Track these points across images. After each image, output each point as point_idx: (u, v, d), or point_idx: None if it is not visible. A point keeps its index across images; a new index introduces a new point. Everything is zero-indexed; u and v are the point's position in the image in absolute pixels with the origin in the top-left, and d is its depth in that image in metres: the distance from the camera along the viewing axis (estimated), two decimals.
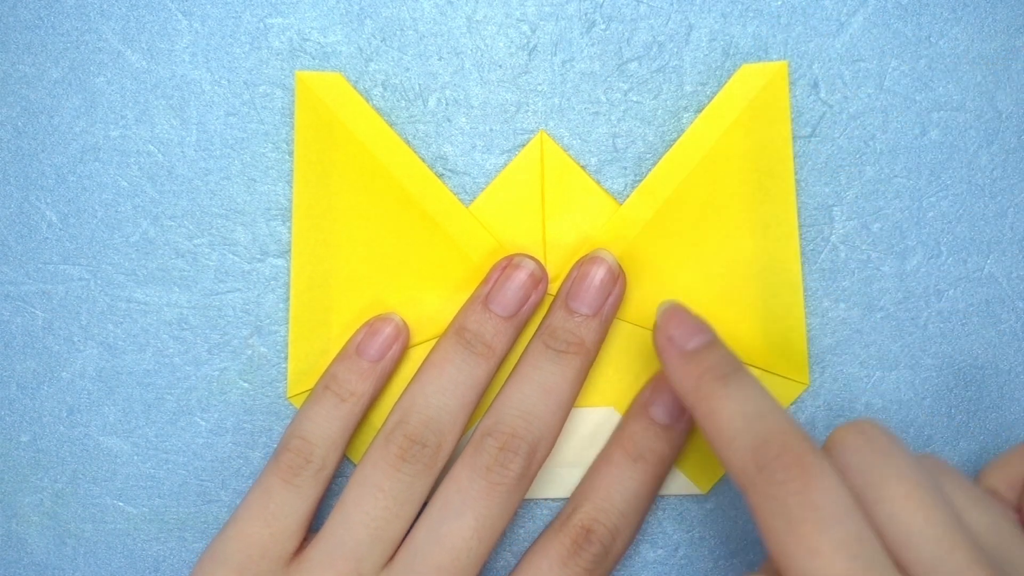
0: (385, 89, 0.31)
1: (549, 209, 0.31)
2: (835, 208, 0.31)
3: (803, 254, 0.31)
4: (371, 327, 0.30)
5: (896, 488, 0.23)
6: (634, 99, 0.31)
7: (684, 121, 0.31)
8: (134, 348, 0.31)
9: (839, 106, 0.31)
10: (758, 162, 0.31)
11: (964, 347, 0.31)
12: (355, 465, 0.30)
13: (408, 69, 0.31)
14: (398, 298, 0.31)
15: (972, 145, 0.31)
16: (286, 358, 0.31)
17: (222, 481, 0.31)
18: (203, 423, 0.31)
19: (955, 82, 0.31)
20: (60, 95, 0.31)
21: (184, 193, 0.31)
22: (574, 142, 0.31)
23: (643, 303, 0.31)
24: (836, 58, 0.31)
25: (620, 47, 0.31)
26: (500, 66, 0.31)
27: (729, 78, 0.31)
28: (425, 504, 0.28)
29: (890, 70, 0.31)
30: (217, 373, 0.31)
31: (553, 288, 0.31)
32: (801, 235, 0.31)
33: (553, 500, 0.31)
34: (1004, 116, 0.31)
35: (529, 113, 0.31)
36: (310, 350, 0.31)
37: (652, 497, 0.29)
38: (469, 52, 0.31)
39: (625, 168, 0.31)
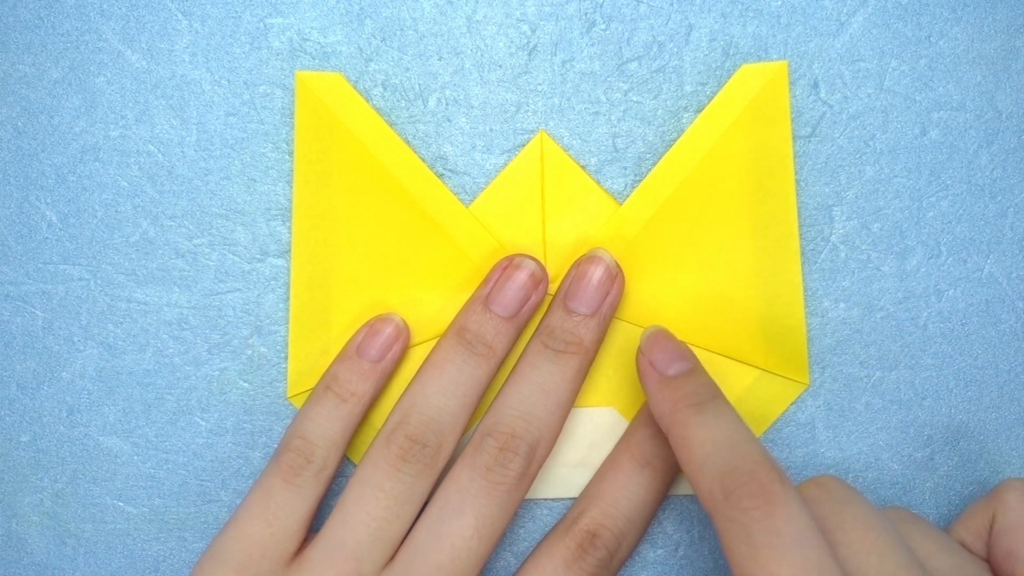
0: (385, 89, 0.31)
1: (549, 209, 0.31)
2: (835, 208, 0.31)
3: (803, 254, 0.31)
4: (371, 327, 0.30)
5: (851, 532, 0.24)
6: (634, 99, 0.31)
7: (684, 121, 0.31)
8: (134, 348, 0.31)
9: (839, 106, 0.31)
10: (758, 162, 0.31)
11: (964, 347, 0.31)
12: (355, 465, 0.30)
13: (408, 69, 0.31)
14: (398, 298, 0.31)
15: (972, 145, 0.31)
16: (286, 358, 0.31)
17: (222, 481, 0.31)
18: (203, 423, 0.31)
19: (955, 82, 0.31)
20: (60, 95, 0.31)
21: (184, 193, 0.31)
22: (574, 142, 0.31)
23: (643, 303, 0.31)
24: (836, 58, 0.31)
25: (620, 47, 0.31)
26: (500, 66, 0.31)
27: (729, 78, 0.31)
28: (426, 504, 0.28)
29: (890, 70, 0.31)
30: (217, 373, 0.31)
31: (553, 288, 0.31)
32: (801, 235, 0.31)
33: (553, 500, 0.31)
34: (1004, 116, 0.31)
35: (529, 113, 0.31)
36: (310, 350, 0.31)
37: (659, 503, 0.29)
38: (469, 52, 0.31)
39: (625, 168, 0.31)
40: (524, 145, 0.31)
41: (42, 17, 0.31)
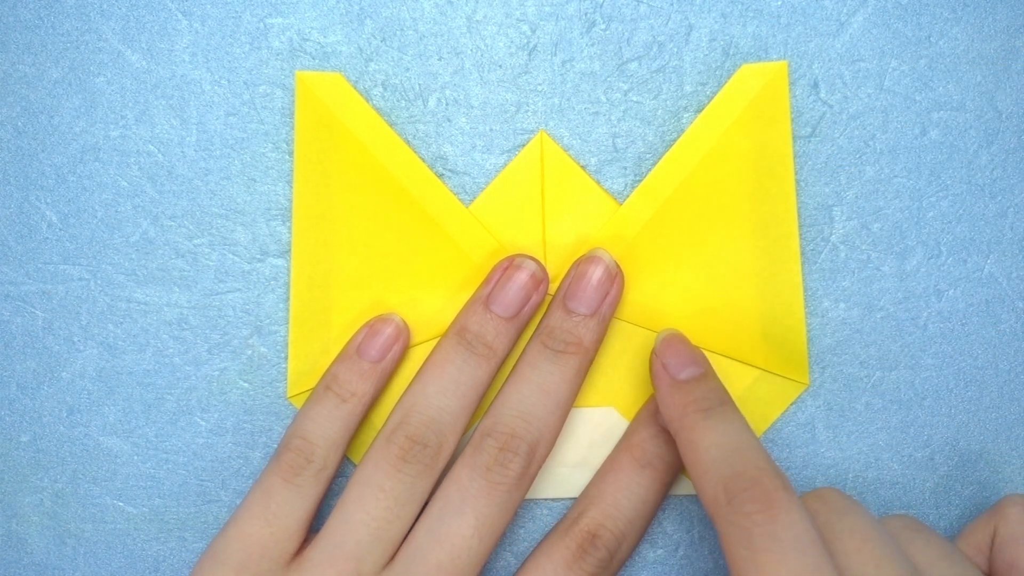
0: (385, 89, 0.31)
1: (549, 209, 0.31)
2: (835, 208, 0.31)
3: (803, 254, 0.31)
4: (372, 327, 0.30)
5: (849, 543, 0.24)
6: (634, 99, 0.31)
7: (684, 121, 0.31)
8: (134, 348, 0.31)
9: (839, 106, 0.31)
10: (758, 162, 0.31)
11: (964, 347, 0.31)
12: (355, 465, 0.30)
13: (408, 69, 0.31)
14: (398, 298, 0.31)
15: (972, 145, 0.31)
16: (286, 358, 0.31)
17: (222, 481, 0.31)
18: (203, 423, 0.31)
19: (955, 82, 0.31)
20: (60, 95, 0.31)
21: (184, 193, 0.31)
22: (574, 142, 0.31)
23: (643, 303, 0.31)
24: (836, 58, 0.31)
25: (620, 47, 0.31)
26: (500, 66, 0.31)
27: (729, 78, 0.31)
28: (426, 504, 0.28)
29: (890, 70, 0.31)
30: (217, 373, 0.31)
31: (553, 288, 0.31)
32: (801, 235, 0.31)
33: (553, 500, 0.31)
34: (1004, 116, 0.31)
35: (529, 113, 0.31)
36: (310, 350, 0.31)
37: (659, 504, 0.29)
38: (469, 52, 0.31)
39: (625, 168, 0.31)
40: (524, 145, 0.31)
41: (42, 17, 0.31)
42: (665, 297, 0.31)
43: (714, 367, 0.29)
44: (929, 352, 0.31)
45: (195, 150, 0.31)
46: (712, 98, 0.31)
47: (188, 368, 0.31)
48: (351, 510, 0.27)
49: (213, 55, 0.31)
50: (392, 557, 0.27)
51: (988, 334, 0.31)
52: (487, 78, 0.31)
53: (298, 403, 0.31)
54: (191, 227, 0.31)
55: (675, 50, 0.31)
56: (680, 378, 0.28)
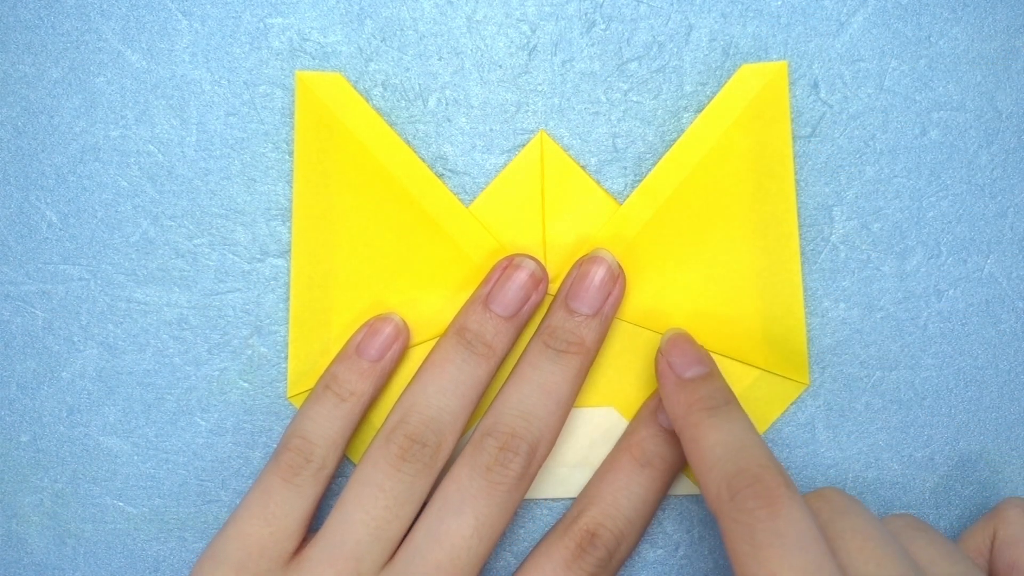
0: (385, 89, 0.31)
1: (549, 209, 0.31)
2: (835, 208, 0.31)
3: (803, 254, 0.31)
4: (371, 327, 0.30)
5: (851, 542, 0.24)
6: (634, 99, 0.31)
7: (684, 121, 0.31)
8: (134, 348, 0.31)
9: (839, 106, 0.31)
10: (758, 162, 0.31)
11: (964, 347, 0.31)
12: (355, 465, 0.30)
13: (408, 69, 0.31)
14: (398, 298, 0.31)
15: (972, 145, 0.31)
16: (286, 358, 0.31)
17: (222, 481, 0.31)
18: (203, 423, 0.31)
19: (955, 82, 0.31)
20: (60, 95, 0.31)
21: (184, 193, 0.31)
22: (574, 142, 0.31)
23: (643, 303, 0.31)
24: (836, 58, 0.31)
25: (620, 47, 0.31)
26: (500, 66, 0.31)
27: (729, 78, 0.31)
28: (425, 504, 0.28)
29: (890, 70, 0.31)
30: (217, 373, 0.31)
31: (553, 288, 0.31)
32: (801, 235, 0.31)
33: (553, 500, 0.31)
34: (1004, 116, 0.31)
35: (529, 113, 0.31)
36: (310, 350, 0.31)
37: (659, 503, 0.29)
38: (469, 52, 0.31)
39: (625, 168, 0.31)
40: (524, 145, 0.31)
41: (42, 17, 0.31)
42: (665, 297, 0.31)
43: None
44: (929, 352, 0.31)
45: (195, 150, 0.31)
46: (712, 98, 0.31)
47: (188, 368, 0.31)
48: (350, 509, 0.27)
49: (213, 55, 0.31)
50: (391, 556, 0.27)
51: (988, 334, 0.31)
52: (487, 78, 0.31)
53: (298, 403, 0.31)
54: (191, 227, 0.31)
55: (675, 50, 0.31)
56: (685, 377, 0.28)
